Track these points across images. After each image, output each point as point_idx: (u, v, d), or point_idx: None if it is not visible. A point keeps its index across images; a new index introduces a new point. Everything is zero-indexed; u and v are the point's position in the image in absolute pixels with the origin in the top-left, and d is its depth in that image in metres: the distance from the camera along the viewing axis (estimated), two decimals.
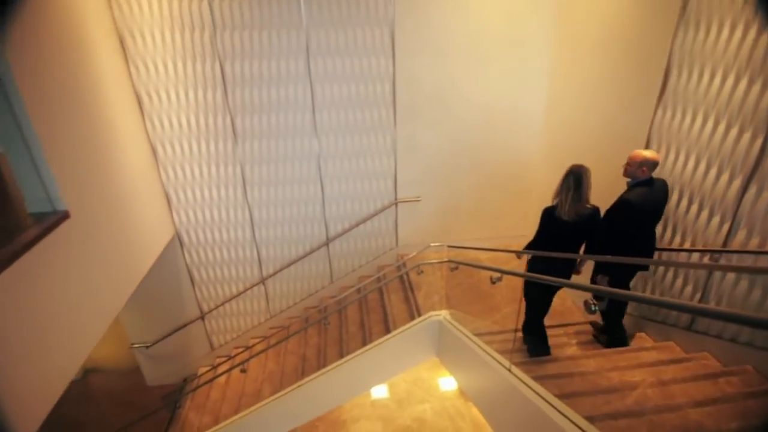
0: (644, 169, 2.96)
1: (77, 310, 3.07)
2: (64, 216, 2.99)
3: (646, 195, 2.99)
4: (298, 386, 4.49)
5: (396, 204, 5.35)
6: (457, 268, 4.11)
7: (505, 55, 4.69)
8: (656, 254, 3.36)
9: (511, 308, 4.49)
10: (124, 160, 3.97)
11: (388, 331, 4.69)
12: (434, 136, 5.02)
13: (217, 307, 5.61)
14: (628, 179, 3.08)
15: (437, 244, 4.39)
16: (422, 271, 4.50)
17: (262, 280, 5.53)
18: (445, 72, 4.70)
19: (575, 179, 2.90)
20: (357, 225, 5.41)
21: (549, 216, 3.11)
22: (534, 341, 3.52)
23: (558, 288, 3.36)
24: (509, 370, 2.86)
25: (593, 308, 2.17)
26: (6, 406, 2.38)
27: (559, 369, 3.21)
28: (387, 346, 4.27)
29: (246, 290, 5.56)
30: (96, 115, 3.58)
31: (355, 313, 5.38)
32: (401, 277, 5.24)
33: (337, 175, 5.08)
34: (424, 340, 4.28)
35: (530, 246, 3.32)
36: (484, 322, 4.35)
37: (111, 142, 3.77)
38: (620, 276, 3.27)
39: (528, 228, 4.20)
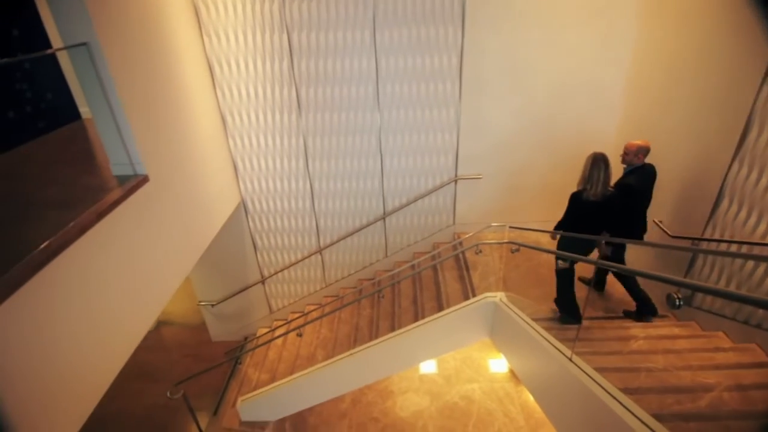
0: (640, 156, 3.47)
1: (154, 267, 3.32)
2: (144, 179, 3.19)
3: (642, 178, 3.52)
4: (350, 354, 4.62)
5: (456, 181, 5.22)
6: (518, 250, 3.97)
7: (585, 24, 4.32)
8: None
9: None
10: (197, 127, 4.17)
11: (440, 308, 4.66)
12: (501, 112, 4.80)
13: (276, 272, 5.86)
14: (625, 166, 3.58)
15: (498, 224, 4.23)
16: (481, 251, 4.39)
17: (320, 250, 5.68)
18: (517, 43, 4.42)
19: (605, 165, 3.29)
20: (415, 201, 5.36)
21: (577, 200, 3.49)
22: (568, 309, 3.90)
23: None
24: (570, 359, 2.74)
25: (677, 303, 2.00)
26: (97, 346, 2.65)
27: (624, 362, 3.04)
28: (439, 324, 4.25)
29: (304, 259, 5.74)
30: (172, 83, 3.75)
31: (409, 288, 5.40)
32: (457, 255, 5.16)
33: (397, 149, 5.03)
34: (478, 320, 4.21)
35: (559, 226, 3.73)
36: (542, 308, 4.20)
37: (185, 110, 3.96)
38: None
39: None
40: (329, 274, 5.95)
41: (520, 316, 3.61)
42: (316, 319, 5.42)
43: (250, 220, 5.45)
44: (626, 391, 2.33)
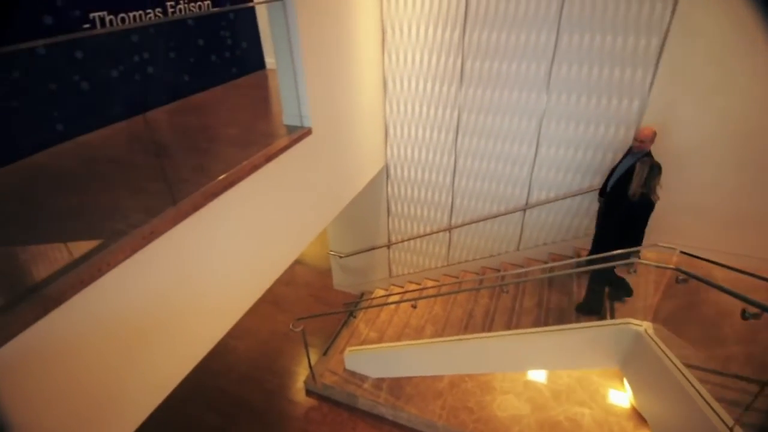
0: (653, 140, 3.69)
1: (302, 212, 3.61)
2: (308, 132, 3.43)
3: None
4: (459, 339, 4.52)
5: None
6: (685, 281, 3.32)
7: None
8: None
9: (743, 350, 3.51)
10: (360, 89, 4.31)
11: (567, 320, 4.25)
12: (699, 112, 3.95)
13: (403, 240, 5.97)
14: (637, 152, 3.73)
15: (666, 245, 3.58)
16: (635, 271, 3.80)
17: (449, 228, 5.58)
18: (740, 26, 3.50)
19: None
20: (563, 197, 4.85)
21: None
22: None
23: None
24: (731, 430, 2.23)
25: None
26: (250, 268, 3.00)
27: None
28: (562, 336, 3.87)
29: (432, 233, 5.72)
30: (347, 44, 3.90)
31: (536, 289, 5.02)
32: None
33: (557, 138, 4.55)
34: (610, 345, 3.72)
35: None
36: (698, 353, 3.51)
37: (354, 71, 4.10)
38: None
39: None
40: (454, 253, 5.85)
41: (669, 357, 3.08)
42: (433, 296, 5.41)
43: (389, 185, 5.58)
44: None
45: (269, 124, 3.81)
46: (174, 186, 2.52)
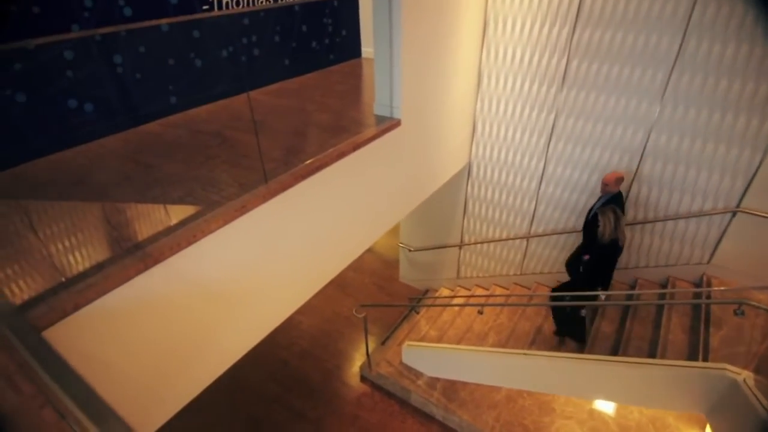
0: (617, 184, 4.05)
1: (381, 202, 3.63)
2: (397, 123, 3.41)
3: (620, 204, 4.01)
4: (524, 354, 4.30)
5: (735, 213, 4.01)
6: None
7: None
8: None
9: None
10: (452, 83, 4.20)
11: (650, 353, 3.88)
12: None
13: (476, 243, 5.80)
14: (603, 195, 4.12)
15: None
16: (743, 313, 3.34)
17: (528, 236, 5.31)
18: None
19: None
20: (663, 219, 4.38)
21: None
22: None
23: None
24: None
25: None
26: (329, 248, 3.08)
27: None
28: (644, 370, 3.52)
29: (508, 239, 5.49)
30: (446, 38, 3.80)
31: (615, 314, 4.63)
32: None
33: (666, 153, 4.10)
34: (698, 390, 3.32)
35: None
36: None
37: (448, 64, 4.00)
38: None
39: None
40: (529, 263, 5.57)
41: None
42: (500, 305, 5.21)
43: (469, 184, 5.42)
44: None
45: (359, 112, 3.85)
46: (266, 165, 2.63)
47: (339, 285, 6.90)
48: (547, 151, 4.69)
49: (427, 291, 6.73)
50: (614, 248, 3.84)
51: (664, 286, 4.65)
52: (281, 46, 4.52)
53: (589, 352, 4.25)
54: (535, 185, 4.96)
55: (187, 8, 3.53)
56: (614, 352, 4.20)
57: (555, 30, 4.10)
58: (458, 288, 6.31)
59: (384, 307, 6.27)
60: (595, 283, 4.10)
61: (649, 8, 3.65)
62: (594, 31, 3.94)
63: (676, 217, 4.30)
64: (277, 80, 4.58)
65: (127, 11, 3.20)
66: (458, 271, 6.26)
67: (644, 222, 4.51)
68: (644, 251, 4.69)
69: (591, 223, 4.06)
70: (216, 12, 3.66)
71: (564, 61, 4.17)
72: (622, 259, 4.88)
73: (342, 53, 5.27)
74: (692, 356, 3.68)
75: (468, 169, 5.29)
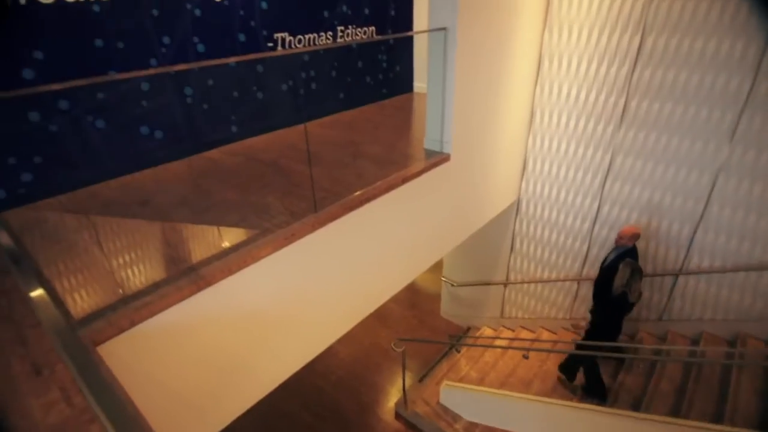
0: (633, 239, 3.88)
1: (427, 236, 3.60)
2: (446, 158, 3.42)
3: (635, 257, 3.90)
4: (572, 407, 4.01)
5: None
6: None
7: None
8: None
9: None
10: (504, 119, 4.17)
11: (717, 418, 3.50)
12: None
13: (522, 282, 5.58)
14: (618, 247, 3.92)
15: None
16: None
17: (580, 279, 5.05)
18: None
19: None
20: (733, 270, 4.03)
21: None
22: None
23: None
24: None
25: None
26: (371, 281, 3.08)
27: None
28: None
29: (558, 280, 5.24)
30: (499, 74, 3.81)
31: (677, 371, 4.23)
32: None
33: (735, 199, 3.81)
34: None
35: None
36: None
37: (501, 100, 3.99)
38: None
39: None
40: (579, 307, 5.26)
41: None
42: (548, 350, 4.93)
43: (518, 221, 5.28)
44: None
45: (409, 146, 3.90)
46: (316, 194, 2.70)
47: (378, 316, 6.82)
48: (602, 192, 4.50)
49: (469, 328, 6.50)
50: (623, 303, 3.84)
51: (731, 343, 4.24)
52: (337, 80, 4.72)
53: (644, 410, 3.89)
54: (588, 226, 4.74)
55: (254, 46, 3.79)
56: (675, 413, 3.82)
57: (613, 69, 4.01)
58: (502, 328, 6.05)
59: (423, 343, 6.10)
60: (608, 335, 4.07)
61: (717, 48, 3.49)
62: (656, 70, 3.81)
63: (754, 268, 3.93)
64: (331, 113, 4.76)
65: (201, 48, 3.48)
66: (502, 311, 6.02)
67: (707, 271, 4.16)
68: (713, 303, 4.30)
69: (606, 272, 3.92)
70: (280, 51, 3.90)
71: (623, 100, 4.05)
72: (685, 312, 4.52)
73: (395, 88, 5.41)
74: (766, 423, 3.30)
75: (517, 205, 5.17)
